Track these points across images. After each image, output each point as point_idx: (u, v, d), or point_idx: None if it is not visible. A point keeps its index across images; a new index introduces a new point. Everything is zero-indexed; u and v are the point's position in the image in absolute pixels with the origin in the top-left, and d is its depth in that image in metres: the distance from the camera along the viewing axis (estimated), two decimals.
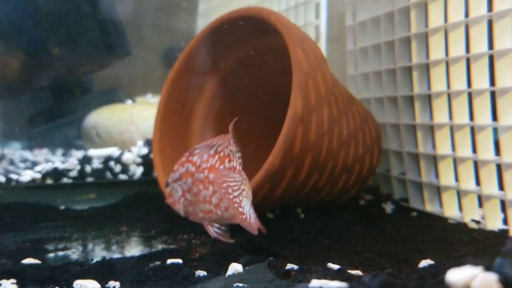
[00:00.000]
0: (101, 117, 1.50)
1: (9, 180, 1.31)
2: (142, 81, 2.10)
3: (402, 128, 1.13)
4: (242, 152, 0.73)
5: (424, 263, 0.55)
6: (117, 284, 0.62)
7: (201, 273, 0.64)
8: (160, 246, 0.89)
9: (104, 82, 1.84)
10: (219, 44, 1.19)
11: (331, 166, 1.01)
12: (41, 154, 1.80)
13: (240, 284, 0.56)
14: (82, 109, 1.60)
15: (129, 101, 1.68)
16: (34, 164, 1.64)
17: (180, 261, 0.74)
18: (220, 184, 0.66)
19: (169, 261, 0.75)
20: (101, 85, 1.82)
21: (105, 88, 1.72)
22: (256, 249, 0.84)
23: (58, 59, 1.57)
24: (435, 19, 0.97)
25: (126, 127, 1.47)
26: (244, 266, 0.64)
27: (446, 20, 0.95)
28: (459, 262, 0.40)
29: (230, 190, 0.65)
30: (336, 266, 0.60)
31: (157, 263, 0.75)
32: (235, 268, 0.63)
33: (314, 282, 0.42)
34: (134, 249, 0.89)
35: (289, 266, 0.60)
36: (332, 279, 0.42)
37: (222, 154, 0.70)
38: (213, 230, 0.70)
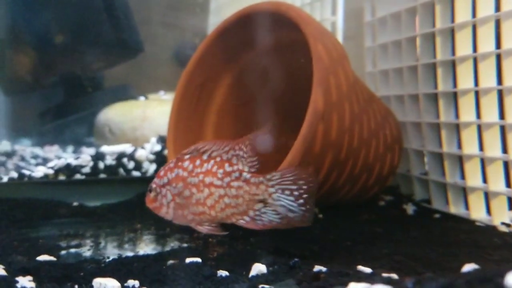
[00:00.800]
0: (114, 114, 1.49)
1: (21, 175, 1.30)
2: (153, 78, 2.09)
3: (424, 127, 1.10)
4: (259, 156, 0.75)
5: (468, 267, 0.52)
6: (136, 283, 0.60)
7: (223, 273, 0.62)
8: (176, 245, 0.87)
9: (116, 79, 1.83)
10: (235, 39, 1.16)
11: (351, 165, 0.98)
12: (51, 151, 1.79)
13: (266, 286, 0.53)
14: (94, 106, 1.59)
15: (142, 98, 1.66)
16: (45, 160, 1.64)
17: (199, 260, 0.71)
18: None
19: (187, 259, 0.72)
20: (114, 82, 1.81)
21: (117, 85, 1.71)
22: (275, 250, 0.81)
23: (70, 56, 1.56)
24: (463, 13, 0.94)
25: (139, 123, 1.45)
26: (267, 267, 0.61)
27: (474, 15, 0.91)
28: (509, 266, 0.37)
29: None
30: (367, 269, 0.57)
31: (175, 261, 0.73)
32: (258, 268, 0.60)
33: (353, 285, 0.39)
34: (149, 247, 0.87)
35: (317, 268, 0.57)
36: (372, 283, 0.39)
37: (218, 159, 0.73)
38: (203, 228, 0.72)
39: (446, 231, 0.86)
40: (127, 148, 1.37)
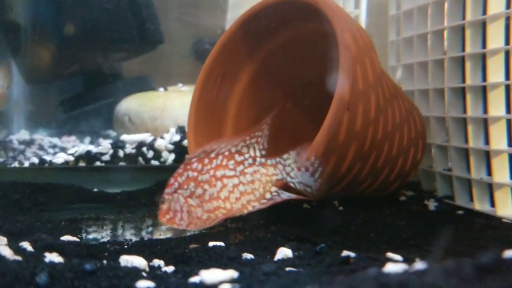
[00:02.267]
0: (134, 103, 1.50)
1: (42, 161, 1.31)
2: (171, 73, 2.10)
3: (449, 122, 1.07)
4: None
5: (509, 253, 0.50)
6: (162, 262, 0.60)
7: (247, 255, 0.61)
8: (196, 231, 0.87)
9: (135, 72, 1.85)
10: (259, 29, 1.16)
11: (374, 158, 0.97)
12: (69, 141, 1.82)
13: (294, 269, 0.52)
14: (114, 97, 1.60)
15: (161, 89, 1.67)
16: (63, 150, 1.66)
17: (222, 244, 0.71)
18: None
19: (210, 243, 0.72)
20: (133, 72, 1.82)
21: (137, 76, 1.72)
22: (296, 238, 0.80)
23: (91, 46, 1.57)
24: (495, 5, 0.91)
25: (159, 113, 1.46)
26: (292, 252, 0.60)
27: (508, 6, 0.89)
28: None
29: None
30: (397, 256, 0.56)
31: (197, 245, 0.73)
32: (284, 252, 0.60)
33: (391, 266, 0.38)
34: (170, 232, 0.87)
35: (345, 253, 0.56)
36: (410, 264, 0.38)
37: (227, 153, 0.75)
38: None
39: (472, 226, 0.84)
40: (146, 137, 1.37)
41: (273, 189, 0.75)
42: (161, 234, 0.86)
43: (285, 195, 0.75)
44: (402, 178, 1.08)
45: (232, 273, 0.44)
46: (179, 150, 1.38)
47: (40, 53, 1.57)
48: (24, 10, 1.50)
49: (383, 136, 0.96)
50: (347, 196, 1.04)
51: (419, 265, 0.33)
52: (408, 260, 0.53)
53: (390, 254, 0.57)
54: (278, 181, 0.75)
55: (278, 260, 0.58)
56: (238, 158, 0.75)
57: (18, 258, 0.53)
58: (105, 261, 0.52)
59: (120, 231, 0.87)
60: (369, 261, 0.51)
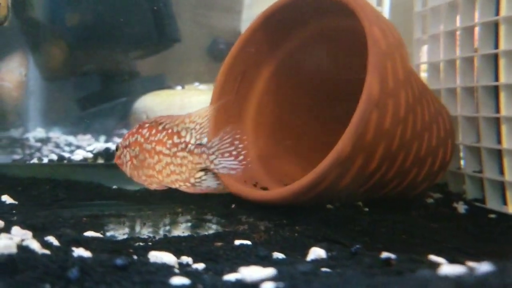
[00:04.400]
0: (152, 101, 1.49)
1: (61, 158, 1.31)
2: (186, 72, 2.09)
3: (480, 122, 1.03)
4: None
5: None
6: (190, 259, 0.58)
7: (278, 255, 0.59)
8: (219, 229, 0.85)
9: (151, 69, 1.84)
10: (280, 26, 1.14)
11: (402, 158, 0.93)
12: (84, 140, 1.82)
13: (329, 270, 0.49)
14: (130, 95, 1.60)
15: (179, 87, 1.66)
16: (79, 148, 1.66)
17: (249, 242, 0.69)
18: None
19: (236, 241, 0.70)
20: (149, 71, 1.81)
21: (153, 74, 1.71)
22: (323, 238, 0.78)
23: (109, 44, 1.57)
24: None
25: (177, 111, 1.44)
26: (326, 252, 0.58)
27: None
28: None
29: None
30: (440, 259, 0.53)
31: (223, 243, 0.71)
32: (317, 253, 0.57)
33: (447, 268, 0.35)
34: (193, 230, 0.85)
35: (384, 254, 0.53)
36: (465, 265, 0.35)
37: (170, 131, 0.83)
38: (152, 187, 0.86)
39: (508, 230, 0.80)
40: None
41: (197, 175, 0.84)
42: (185, 232, 0.84)
43: (204, 185, 0.84)
44: (430, 179, 1.04)
45: (272, 271, 0.42)
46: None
47: (57, 50, 1.57)
48: (44, 8, 1.50)
49: (412, 135, 0.92)
50: (373, 197, 1.01)
51: (485, 267, 0.31)
52: (454, 262, 0.50)
53: (432, 257, 0.54)
54: (202, 170, 0.83)
55: (312, 260, 0.55)
56: (176, 140, 0.83)
57: (46, 251, 0.52)
58: (135, 257, 0.50)
59: (142, 228, 0.86)
60: (413, 263, 0.48)
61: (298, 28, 1.14)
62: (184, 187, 0.86)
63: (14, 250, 0.48)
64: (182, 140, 0.83)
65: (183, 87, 1.67)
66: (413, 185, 1.02)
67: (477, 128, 1.06)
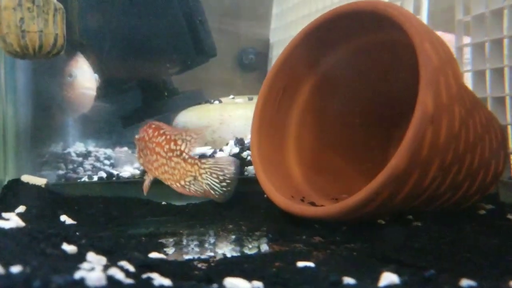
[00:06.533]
0: (192, 117, 1.52)
1: (110, 175, 1.36)
2: (217, 83, 2.12)
3: None
4: None
5: None
6: (261, 284, 0.59)
7: (349, 280, 0.59)
8: (275, 246, 0.86)
9: (184, 83, 1.88)
10: (323, 41, 1.15)
11: (455, 172, 0.92)
12: (121, 152, 1.87)
13: None
14: (170, 110, 1.64)
15: (216, 102, 1.69)
16: (117, 161, 1.71)
17: (311, 264, 0.70)
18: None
19: (298, 263, 0.71)
20: (182, 86, 1.85)
21: (192, 89, 1.75)
22: (382, 257, 0.78)
23: (149, 61, 1.62)
24: None
25: (217, 126, 1.47)
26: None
27: None
28: None
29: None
30: None
31: (284, 264, 0.72)
32: (390, 278, 0.57)
33: None
34: (248, 248, 0.87)
35: (465, 282, 0.53)
36: None
37: (169, 137, 0.98)
38: (147, 181, 1.04)
39: None
40: (207, 150, 1.39)
41: (187, 179, 0.99)
42: (241, 250, 0.85)
43: (193, 189, 0.98)
44: (482, 191, 1.03)
45: None
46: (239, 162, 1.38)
47: (100, 69, 1.62)
48: (85, 31, 1.56)
49: (465, 148, 0.91)
50: (423, 210, 1.00)
51: None
52: None
53: None
54: (192, 176, 0.98)
55: (386, 286, 0.56)
56: (172, 146, 0.97)
57: (130, 281, 0.54)
58: (216, 285, 0.52)
59: (200, 247, 0.88)
60: None
61: (339, 43, 1.15)
62: (174, 186, 1.02)
63: (104, 282, 0.50)
64: (178, 147, 0.96)
65: (220, 101, 1.70)
66: (465, 197, 1.01)
67: None
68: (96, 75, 1.43)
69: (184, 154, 0.96)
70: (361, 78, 1.20)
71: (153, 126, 1.02)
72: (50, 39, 0.86)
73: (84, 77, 1.38)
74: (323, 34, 1.13)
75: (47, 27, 0.83)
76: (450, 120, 0.85)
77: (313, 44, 1.15)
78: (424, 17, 1.36)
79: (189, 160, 0.97)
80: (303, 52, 1.17)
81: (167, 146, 0.98)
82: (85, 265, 0.59)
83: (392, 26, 0.95)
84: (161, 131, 1.00)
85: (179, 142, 0.98)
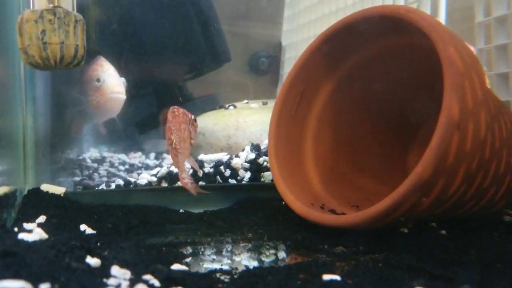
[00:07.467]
0: (208, 122, 1.52)
1: (127, 183, 1.36)
2: (230, 87, 2.11)
3: None
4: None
5: None
6: None
7: None
8: (298, 257, 0.85)
9: (198, 88, 1.87)
10: (342, 46, 1.13)
11: (481, 178, 0.90)
12: (135, 158, 1.88)
13: None
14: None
15: (231, 107, 1.68)
16: (132, 166, 1.71)
17: (338, 278, 0.68)
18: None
19: (324, 276, 0.69)
20: (196, 91, 1.85)
21: (207, 94, 1.75)
22: (408, 267, 0.76)
23: (165, 66, 1.62)
24: None
25: (233, 132, 1.47)
26: None
27: None
28: None
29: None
30: None
31: (309, 277, 0.70)
32: None
33: None
34: (271, 258, 0.86)
35: None
36: None
37: (169, 128, 1.02)
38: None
39: None
40: (223, 156, 1.38)
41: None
42: (263, 261, 0.84)
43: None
44: (508, 196, 1.00)
45: None
46: (255, 168, 1.37)
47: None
48: (101, 39, 1.57)
49: (491, 154, 0.89)
50: (448, 217, 0.98)
51: None
52: None
53: None
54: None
55: None
56: (170, 136, 1.02)
57: None
58: None
59: (221, 257, 0.87)
60: None
61: (358, 48, 1.13)
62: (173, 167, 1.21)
63: None
64: (172, 138, 1.03)
65: (235, 107, 1.69)
66: (490, 204, 0.98)
67: None
68: (123, 79, 1.44)
69: (174, 144, 1.03)
70: (379, 82, 1.18)
71: (174, 111, 1.06)
72: (71, 50, 0.86)
73: (112, 81, 1.38)
74: (343, 39, 1.12)
75: (68, 39, 0.84)
76: (476, 125, 0.83)
77: (332, 48, 1.14)
78: (442, 19, 1.34)
79: (180, 157, 1.05)
80: (322, 56, 1.16)
81: (168, 135, 1.04)
82: (111, 280, 0.58)
83: (413, 31, 0.93)
84: (171, 117, 1.06)
85: (172, 137, 1.04)
